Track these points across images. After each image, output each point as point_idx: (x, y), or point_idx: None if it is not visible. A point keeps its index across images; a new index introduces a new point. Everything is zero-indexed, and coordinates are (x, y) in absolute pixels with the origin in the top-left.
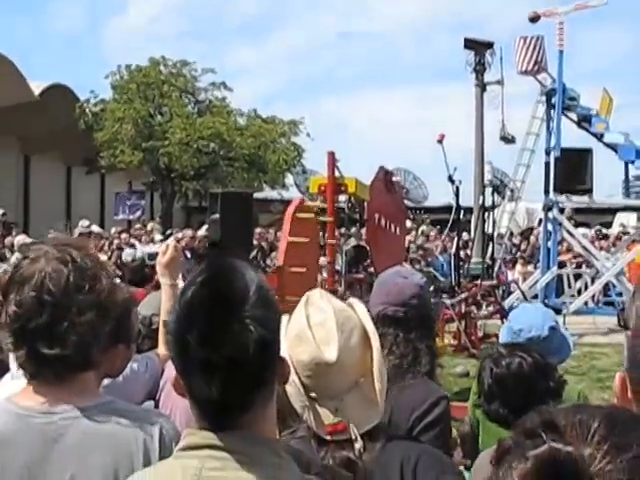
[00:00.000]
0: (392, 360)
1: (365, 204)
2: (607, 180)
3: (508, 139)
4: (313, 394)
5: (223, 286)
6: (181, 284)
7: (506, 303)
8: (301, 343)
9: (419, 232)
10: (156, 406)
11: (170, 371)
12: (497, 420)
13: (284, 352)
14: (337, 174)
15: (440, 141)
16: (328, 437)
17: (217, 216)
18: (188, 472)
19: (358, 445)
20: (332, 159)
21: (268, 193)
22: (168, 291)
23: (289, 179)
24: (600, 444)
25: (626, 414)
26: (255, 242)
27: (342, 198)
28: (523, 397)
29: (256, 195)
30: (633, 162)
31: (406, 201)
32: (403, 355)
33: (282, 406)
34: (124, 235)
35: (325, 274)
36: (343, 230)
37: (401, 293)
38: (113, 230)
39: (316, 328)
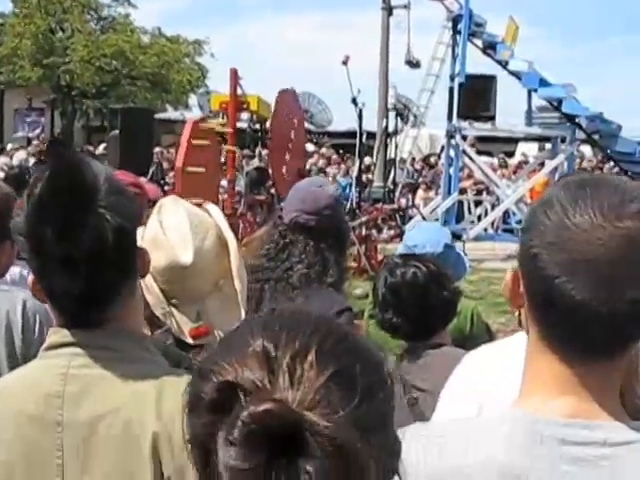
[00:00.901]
0: (300, 268)
1: (268, 123)
2: (510, 109)
3: (413, 63)
4: (174, 300)
5: (73, 178)
6: None
7: (406, 227)
8: (156, 248)
9: (320, 153)
10: None
11: None
12: (391, 329)
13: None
14: (240, 92)
15: (345, 62)
16: (191, 341)
17: (117, 132)
18: (55, 371)
19: None
20: (235, 76)
21: (171, 114)
22: None
23: (192, 100)
24: (280, 366)
25: (285, 317)
26: (155, 159)
27: (244, 117)
28: (417, 306)
29: (159, 115)
30: (536, 90)
31: (309, 125)
32: (311, 264)
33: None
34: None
35: (225, 195)
36: (245, 151)
37: (316, 201)
38: (9, 147)
39: (170, 232)
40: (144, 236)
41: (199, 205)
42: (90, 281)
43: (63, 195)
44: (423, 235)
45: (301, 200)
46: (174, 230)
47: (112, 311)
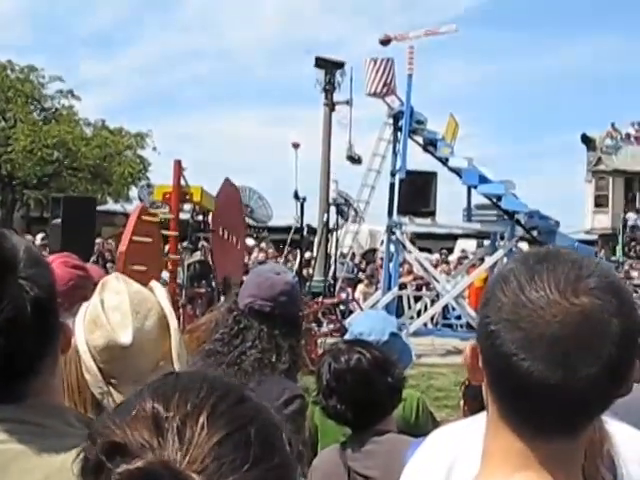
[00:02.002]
0: (253, 354)
1: (210, 215)
2: (450, 206)
3: (354, 159)
4: (113, 380)
5: None
6: None
7: (347, 322)
8: (96, 328)
9: (259, 248)
10: None
11: None
12: (335, 416)
13: (81, 337)
14: (183, 183)
15: (295, 146)
16: None
17: (59, 221)
18: None
19: None
20: (178, 167)
21: (111, 206)
22: None
23: (133, 192)
24: (170, 427)
25: (174, 381)
26: (97, 249)
27: (187, 207)
28: (362, 393)
29: (99, 207)
30: (476, 187)
31: (250, 220)
32: (265, 350)
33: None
34: None
35: (166, 286)
36: (185, 244)
37: (271, 288)
38: None
39: (111, 312)
40: (85, 315)
41: (174, 265)
42: (9, 354)
43: None
44: (369, 323)
45: (257, 286)
46: (115, 309)
47: (32, 385)
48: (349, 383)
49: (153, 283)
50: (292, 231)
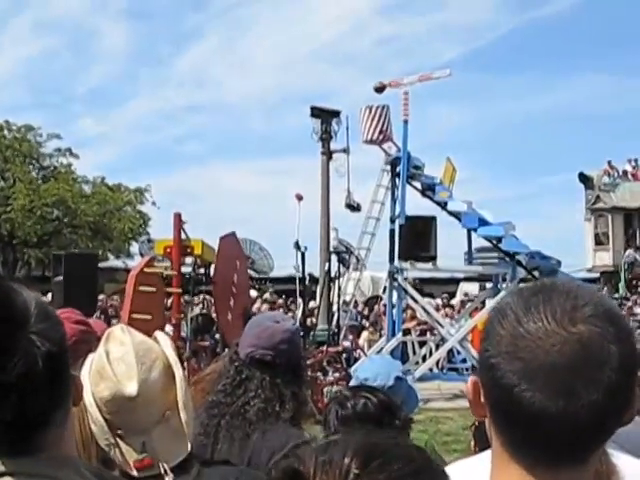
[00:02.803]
0: (257, 403)
1: (212, 267)
2: (451, 249)
3: (353, 207)
4: (120, 431)
5: (2, 305)
6: None
7: (352, 369)
8: (102, 380)
9: (263, 299)
10: None
11: None
12: None
13: (87, 389)
14: (183, 236)
15: (299, 198)
16: (135, 473)
17: (61, 278)
18: None
19: (168, 479)
20: (178, 221)
21: (113, 262)
22: None
23: (134, 248)
24: None
25: (384, 443)
26: (100, 305)
27: (188, 260)
28: None
29: (101, 264)
30: (476, 230)
31: (251, 272)
32: (268, 399)
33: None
34: None
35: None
36: (187, 297)
37: (271, 337)
38: None
39: (116, 363)
40: (91, 366)
41: (178, 322)
42: (21, 408)
43: None
44: (374, 368)
45: (256, 335)
46: (120, 360)
47: (45, 437)
48: (357, 428)
49: (157, 333)
50: (297, 281)
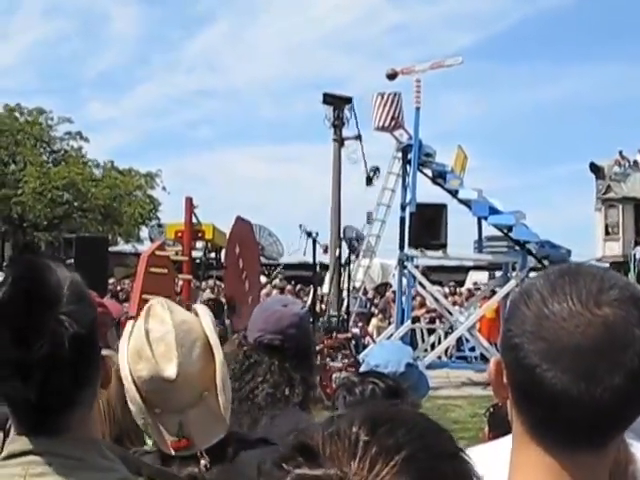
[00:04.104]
0: (266, 388)
1: (223, 251)
2: (461, 237)
3: (371, 176)
4: (157, 410)
5: (36, 283)
6: None
7: (360, 356)
8: (140, 360)
9: (272, 285)
10: None
11: None
12: None
13: (125, 367)
14: (195, 220)
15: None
16: (172, 453)
17: (71, 261)
18: None
19: (204, 461)
20: (190, 205)
21: (123, 247)
22: None
23: (144, 232)
24: (365, 453)
25: (388, 411)
26: (110, 288)
27: (199, 245)
28: None
29: (110, 248)
30: (486, 218)
31: (261, 257)
32: (277, 384)
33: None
34: None
35: None
36: (196, 282)
37: (279, 321)
38: None
39: (156, 344)
40: (129, 344)
41: (188, 307)
42: (45, 388)
43: (25, 300)
44: (385, 354)
45: (264, 320)
46: (159, 341)
47: (70, 418)
48: None
49: (199, 308)
50: (318, 266)
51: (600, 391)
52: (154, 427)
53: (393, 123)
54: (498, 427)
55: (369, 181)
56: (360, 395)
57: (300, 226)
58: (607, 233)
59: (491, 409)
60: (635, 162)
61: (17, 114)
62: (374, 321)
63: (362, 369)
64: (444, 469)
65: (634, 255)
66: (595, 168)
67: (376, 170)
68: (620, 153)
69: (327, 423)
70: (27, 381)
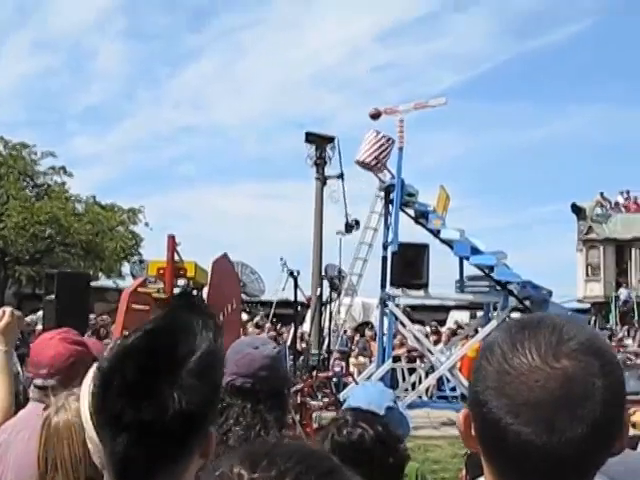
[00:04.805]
0: (238, 431)
1: (205, 289)
2: (443, 277)
3: (351, 226)
4: None
5: (163, 349)
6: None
7: (341, 395)
8: None
9: (253, 323)
10: None
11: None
12: None
13: (85, 407)
14: (177, 258)
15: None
16: None
17: (53, 297)
18: None
19: None
20: (172, 242)
21: (104, 282)
22: (2, 357)
23: (126, 268)
24: None
25: (265, 446)
26: (91, 323)
27: (181, 282)
28: (361, 469)
29: (92, 284)
30: (468, 258)
31: (242, 295)
32: (249, 426)
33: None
34: None
35: None
36: None
37: (251, 364)
38: None
39: None
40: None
41: None
42: (130, 449)
43: (147, 356)
44: (366, 396)
45: (235, 363)
46: None
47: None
48: (349, 458)
49: None
50: (298, 306)
51: (562, 442)
52: None
53: (374, 162)
54: (474, 470)
55: (348, 229)
56: (347, 437)
57: (281, 259)
58: (588, 274)
59: (468, 452)
60: (616, 203)
61: (1, 147)
62: (354, 360)
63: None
64: None
65: (616, 297)
66: (577, 209)
67: (356, 223)
68: (601, 194)
69: (211, 471)
70: (115, 434)
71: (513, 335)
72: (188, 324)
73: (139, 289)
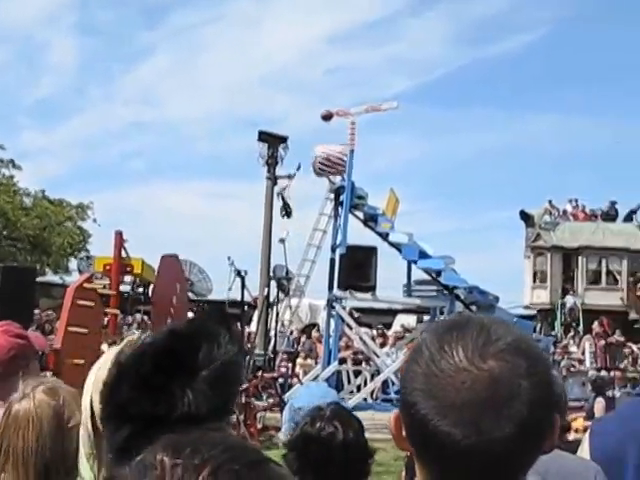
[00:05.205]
0: None
1: (151, 286)
2: (391, 281)
3: (287, 210)
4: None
5: (187, 347)
6: None
7: (286, 396)
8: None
9: None
10: None
11: None
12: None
13: (87, 396)
14: (124, 255)
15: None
16: None
17: None
18: None
19: None
20: (119, 239)
21: (50, 277)
22: None
23: (73, 264)
24: (173, 476)
25: (191, 435)
26: (36, 318)
27: (127, 279)
28: (320, 466)
29: (38, 279)
30: (416, 262)
31: (189, 293)
32: None
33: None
34: None
35: None
36: (128, 317)
37: None
38: None
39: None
40: (97, 373)
41: (114, 342)
42: (149, 443)
43: (162, 356)
44: (310, 397)
45: None
46: None
47: None
48: (311, 453)
49: None
50: (245, 306)
51: (491, 443)
52: (96, 460)
53: (332, 170)
54: (414, 471)
55: (287, 214)
56: (317, 432)
57: (229, 258)
58: (535, 280)
59: (409, 454)
60: (564, 212)
61: None
62: (300, 361)
63: (285, 412)
64: (253, 476)
65: (562, 304)
66: (525, 216)
67: (287, 211)
68: (550, 202)
69: (135, 460)
70: (136, 432)
71: (441, 336)
72: (214, 333)
73: (85, 285)
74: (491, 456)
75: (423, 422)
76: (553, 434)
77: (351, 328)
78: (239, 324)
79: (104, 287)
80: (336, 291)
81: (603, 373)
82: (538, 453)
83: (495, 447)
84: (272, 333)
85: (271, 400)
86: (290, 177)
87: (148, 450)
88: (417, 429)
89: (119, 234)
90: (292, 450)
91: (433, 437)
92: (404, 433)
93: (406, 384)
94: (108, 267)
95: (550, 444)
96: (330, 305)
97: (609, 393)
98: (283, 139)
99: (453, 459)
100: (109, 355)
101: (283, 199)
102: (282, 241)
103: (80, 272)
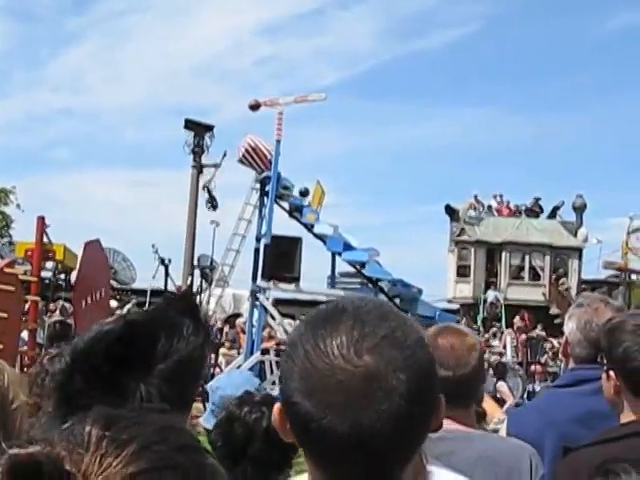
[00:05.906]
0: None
1: (73, 274)
2: (315, 273)
3: (213, 202)
4: None
5: (144, 338)
6: None
7: (208, 386)
8: None
9: (124, 311)
10: None
11: None
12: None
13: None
14: (46, 240)
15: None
16: None
17: None
18: None
19: None
20: (41, 224)
21: None
22: None
23: None
24: (97, 448)
25: (127, 413)
26: None
27: (49, 265)
28: (238, 448)
29: None
30: (340, 254)
31: (113, 281)
32: None
33: None
34: None
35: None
36: (50, 305)
37: None
38: None
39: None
40: None
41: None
42: None
43: (115, 345)
44: (232, 384)
45: None
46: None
47: None
48: (233, 435)
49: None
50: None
51: (370, 437)
52: None
53: (260, 162)
54: None
55: (212, 207)
56: (242, 416)
57: (153, 246)
58: (459, 275)
59: None
60: (489, 207)
61: None
62: (223, 350)
63: (211, 397)
64: (180, 460)
65: (484, 299)
66: (450, 210)
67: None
68: (475, 197)
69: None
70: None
71: (315, 332)
72: (175, 324)
73: (5, 269)
74: (371, 451)
75: (304, 420)
76: (438, 416)
77: (274, 319)
78: None
79: (25, 273)
80: (260, 281)
81: (523, 367)
82: (423, 439)
83: (374, 442)
84: None
85: None
86: (216, 166)
87: (79, 419)
88: (299, 425)
89: (41, 219)
90: (217, 428)
91: (315, 434)
92: (288, 426)
93: (286, 382)
94: (30, 252)
95: (437, 424)
96: (254, 295)
97: (529, 387)
98: (209, 128)
99: (334, 454)
100: None
101: (209, 191)
102: (215, 223)
103: (1, 257)
